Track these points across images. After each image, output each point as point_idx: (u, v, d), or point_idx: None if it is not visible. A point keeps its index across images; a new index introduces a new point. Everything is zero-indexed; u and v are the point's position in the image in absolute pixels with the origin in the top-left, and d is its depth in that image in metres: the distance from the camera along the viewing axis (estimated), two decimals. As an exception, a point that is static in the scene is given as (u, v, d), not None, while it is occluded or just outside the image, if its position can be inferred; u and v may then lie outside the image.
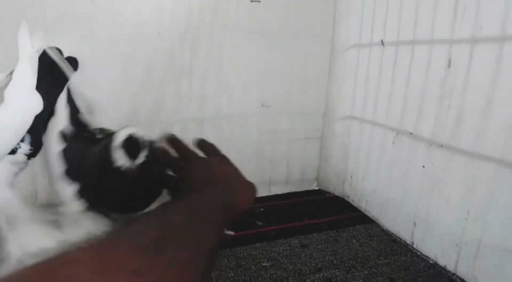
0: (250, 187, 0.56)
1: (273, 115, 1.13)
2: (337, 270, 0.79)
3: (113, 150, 0.50)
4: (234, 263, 0.80)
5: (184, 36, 0.97)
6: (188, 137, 1.09)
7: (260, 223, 0.99)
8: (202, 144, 0.66)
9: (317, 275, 0.77)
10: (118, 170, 0.49)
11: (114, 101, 0.93)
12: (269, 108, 1.11)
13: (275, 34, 1.07)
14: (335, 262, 0.82)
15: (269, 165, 1.16)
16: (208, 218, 0.40)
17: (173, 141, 0.63)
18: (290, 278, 0.76)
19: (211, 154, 0.60)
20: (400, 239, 0.92)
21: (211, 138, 1.05)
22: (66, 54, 0.50)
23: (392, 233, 0.95)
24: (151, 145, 0.51)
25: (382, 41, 0.96)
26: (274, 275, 0.77)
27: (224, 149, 1.12)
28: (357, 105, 1.10)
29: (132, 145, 0.50)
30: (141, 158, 0.50)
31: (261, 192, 1.14)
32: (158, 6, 0.92)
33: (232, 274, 0.76)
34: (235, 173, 0.56)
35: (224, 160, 0.62)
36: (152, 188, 0.56)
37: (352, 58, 1.10)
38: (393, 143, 0.94)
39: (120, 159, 0.50)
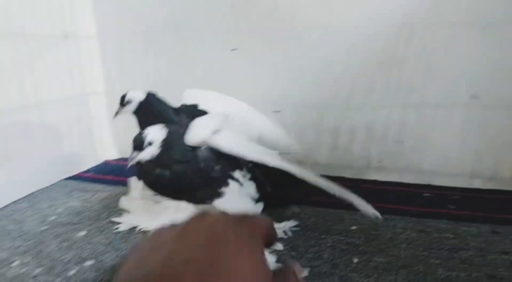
0: None
1: (483, 107, 1.12)
2: (527, 259, 0.79)
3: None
4: (418, 228, 0.91)
5: (399, 32, 1.12)
6: (391, 124, 1.21)
7: (453, 207, 1.04)
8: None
9: (502, 256, 0.80)
10: None
11: (336, 88, 1.18)
12: (479, 100, 1.12)
13: (495, 26, 1.07)
14: (527, 252, 0.81)
15: (472, 157, 1.17)
16: None
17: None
18: (471, 250, 0.81)
19: None
20: None
21: (413, 124, 1.16)
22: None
23: None
24: None
25: None
26: (454, 244, 0.84)
27: (425, 134, 1.20)
28: None
29: None
30: None
31: (461, 183, 1.17)
32: (378, 10, 1.11)
33: (414, 235, 0.88)
34: None
35: None
36: None
37: None
38: None
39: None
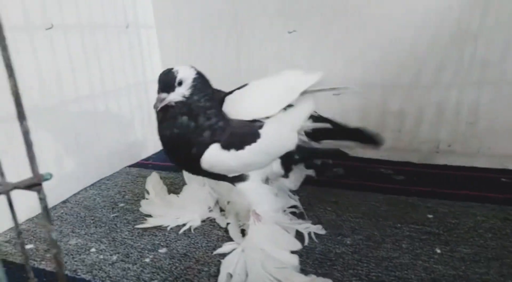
0: None
1: None
2: None
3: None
4: (502, 216, 0.84)
5: (475, 4, 1.02)
6: (463, 103, 1.11)
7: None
8: None
9: None
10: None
11: (403, 66, 1.10)
12: None
13: None
14: None
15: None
16: None
17: None
18: None
19: None
20: None
21: (488, 103, 1.07)
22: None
23: None
24: None
25: None
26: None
27: (501, 114, 1.08)
28: None
29: None
30: None
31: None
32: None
33: (499, 224, 0.82)
34: None
35: None
36: None
37: None
38: None
39: None
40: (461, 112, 1.11)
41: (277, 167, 0.78)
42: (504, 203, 0.91)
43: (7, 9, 0.84)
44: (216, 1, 1.22)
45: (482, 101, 1.09)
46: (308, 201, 0.94)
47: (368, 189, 1.00)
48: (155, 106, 0.68)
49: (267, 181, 0.80)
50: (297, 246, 0.73)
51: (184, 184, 0.96)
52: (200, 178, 0.87)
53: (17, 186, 0.34)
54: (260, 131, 0.72)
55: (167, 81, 0.67)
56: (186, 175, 0.94)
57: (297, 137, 0.75)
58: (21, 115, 0.31)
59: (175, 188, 1.04)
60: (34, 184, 0.37)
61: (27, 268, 0.36)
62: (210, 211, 0.90)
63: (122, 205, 0.97)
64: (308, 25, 1.16)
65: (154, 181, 0.99)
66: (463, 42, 1.05)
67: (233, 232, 0.81)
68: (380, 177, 1.10)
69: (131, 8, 1.19)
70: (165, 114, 0.70)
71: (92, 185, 1.09)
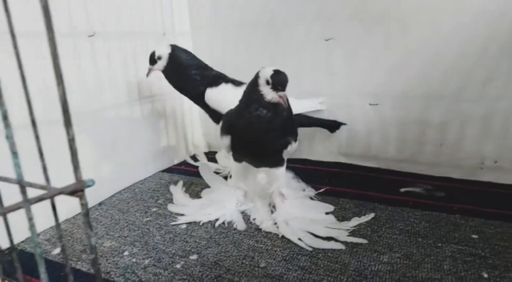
0: None
1: None
2: None
3: (261, 85, 0.78)
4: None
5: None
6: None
7: None
8: None
9: None
10: (270, 103, 0.78)
11: (447, 77, 1.06)
12: None
13: None
14: None
15: None
16: None
17: None
18: None
19: None
20: None
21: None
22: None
23: None
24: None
25: None
26: None
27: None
28: None
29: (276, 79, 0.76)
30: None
31: None
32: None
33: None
34: None
35: None
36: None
37: None
38: None
39: (268, 93, 0.78)
40: (510, 126, 1.05)
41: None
42: (559, 226, 0.84)
43: (54, 17, 0.88)
44: (252, 8, 1.22)
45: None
46: (342, 215, 0.91)
47: (406, 205, 0.96)
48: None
49: None
50: (330, 207, 0.92)
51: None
52: (221, 178, 1.05)
53: (61, 192, 0.35)
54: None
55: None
56: (207, 177, 1.04)
57: None
58: (67, 123, 0.32)
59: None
60: (77, 190, 0.37)
61: (67, 271, 0.37)
62: (240, 205, 0.96)
63: (154, 209, 0.98)
64: (346, 33, 1.14)
65: (179, 187, 1.09)
66: (515, 53, 0.99)
67: (264, 211, 0.92)
68: (419, 192, 1.05)
69: (169, 16, 1.21)
70: None
71: (127, 188, 1.11)
